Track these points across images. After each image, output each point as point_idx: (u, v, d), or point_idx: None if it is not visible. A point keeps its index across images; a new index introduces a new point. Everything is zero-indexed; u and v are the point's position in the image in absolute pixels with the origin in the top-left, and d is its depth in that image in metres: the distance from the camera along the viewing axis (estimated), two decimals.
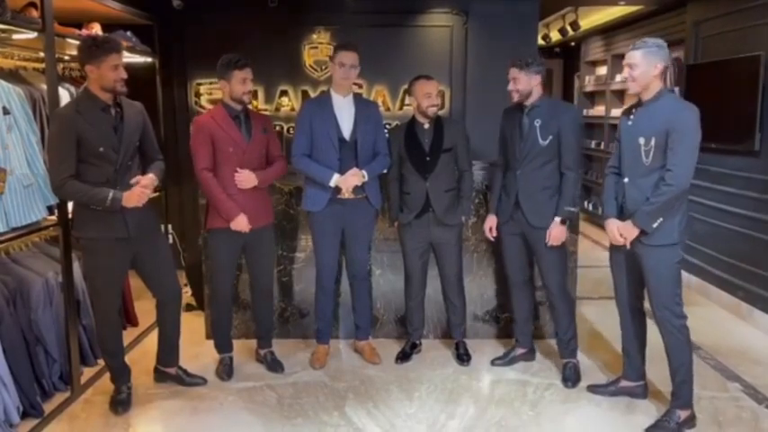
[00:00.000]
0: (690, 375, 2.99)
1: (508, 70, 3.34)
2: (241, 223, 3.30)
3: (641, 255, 2.95)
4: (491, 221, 3.59)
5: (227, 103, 3.33)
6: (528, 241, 3.47)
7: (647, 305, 3.11)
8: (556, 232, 3.33)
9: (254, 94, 5.27)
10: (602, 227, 7.48)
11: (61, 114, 2.93)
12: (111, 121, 2.95)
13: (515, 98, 3.35)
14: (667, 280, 2.93)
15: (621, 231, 2.97)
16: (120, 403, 3.16)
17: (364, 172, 3.45)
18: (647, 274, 2.96)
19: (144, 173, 3.11)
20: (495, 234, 3.59)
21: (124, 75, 2.93)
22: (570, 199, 3.34)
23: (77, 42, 3.73)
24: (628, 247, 2.97)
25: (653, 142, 2.86)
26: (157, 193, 3.27)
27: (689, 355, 2.99)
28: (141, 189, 2.95)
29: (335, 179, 3.41)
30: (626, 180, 2.99)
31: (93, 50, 2.85)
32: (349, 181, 3.42)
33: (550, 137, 3.30)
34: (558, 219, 3.33)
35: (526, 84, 3.30)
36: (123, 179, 2.96)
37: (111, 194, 2.86)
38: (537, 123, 3.32)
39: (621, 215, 3.02)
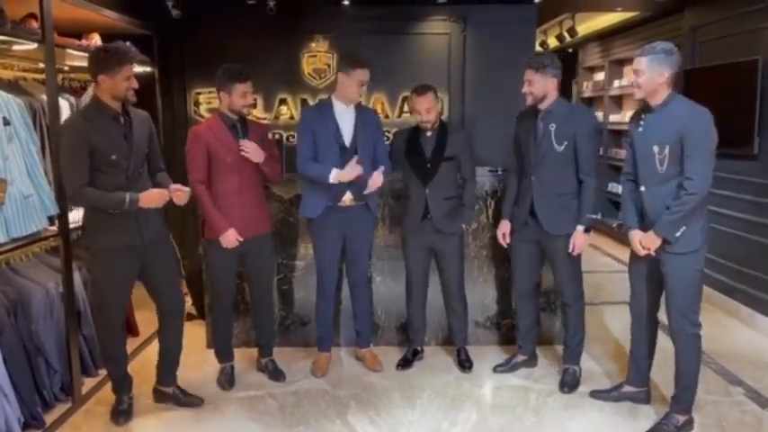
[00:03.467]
0: (695, 382, 2.98)
1: (524, 71, 3.26)
2: (229, 238, 3.29)
3: (664, 262, 2.92)
4: (505, 227, 3.53)
5: (223, 113, 3.34)
6: (543, 249, 3.43)
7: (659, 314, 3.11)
8: (579, 241, 3.27)
9: (254, 103, 5.28)
10: (602, 232, 7.54)
11: (73, 124, 2.96)
12: (121, 129, 2.98)
13: (529, 100, 3.28)
14: (688, 287, 2.90)
15: (644, 243, 2.93)
16: (122, 414, 3.15)
17: (382, 169, 3.42)
18: (669, 282, 2.93)
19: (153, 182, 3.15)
20: (508, 240, 3.54)
21: (136, 85, 2.97)
22: (591, 206, 3.28)
23: (86, 53, 3.78)
24: (653, 254, 2.93)
25: (667, 150, 2.82)
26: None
27: (697, 363, 2.98)
28: (159, 190, 2.98)
29: (334, 174, 3.37)
30: (642, 189, 2.95)
31: (108, 61, 2.88)
32: (344, 176, 3.36)
33: (566, 142, 3.23)
34: (580, 228, 3.27)
35: (541, 86, 3.22)
36: (135, 186, 2.98)
37: (127, 197, 2.89)
38: (552, 128, 3.25)
39: (642, 224, 2.99)
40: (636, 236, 2.99)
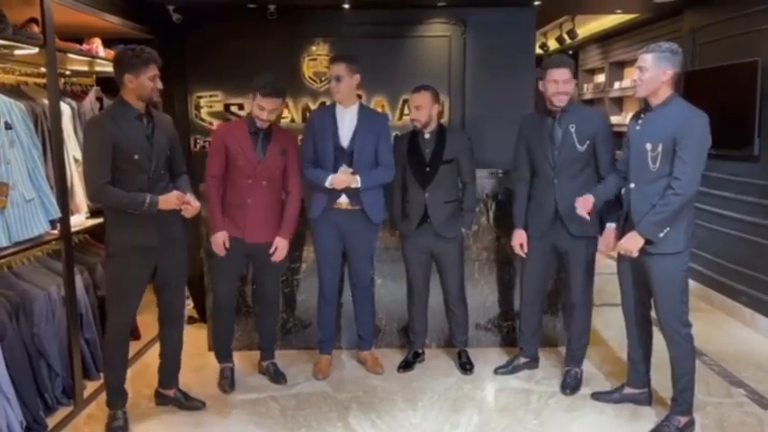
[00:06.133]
0: (692, 383, 2.99)
1: (556, 71, 3.14)
2: (217, 241, 3.33)
3: (648, 263, 2.94)
4: (521, 237, 3.45)
5: (250, 118, 3.36)
6: (560, 252, 3.40)
7: (653, 313, 3.11)
8: (611, 237, 3.16)
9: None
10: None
11: (97, 122, 2.99)
12: (144, 129, 3.01)
13: (564, 101, 3.17)
14: (674, 288, 2.91)
15: (626, 245, 2.93)
16: (118, 429, 3.09)
17: (357, 177, 3.42)
18: (654, 283, 2.95)
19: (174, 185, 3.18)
20: (526, 250, 3.47)
21: (160, 85, 3.00)
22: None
23: (88, 57, 3.82)
24: (635, 255, 2.94)
25: (660, 148, 2.83)
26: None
27: (692, 363, 2.98)
28: (178, 194, 3.01)
29: (330, 179, 3.41)
30: (632, 186, 2.96)
31: (134, 61, 2.91)
32: (338, 179, 3.39)
33: (587, 142, 3.21)
34: (612, 225, 3.18)
35: (571, 87, 3.17)
36: (156, 188, 3.00)
37: (148, 198, 2.92)
38: (572, 129, 3.22)
39: (626, 223, 3.00)
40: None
